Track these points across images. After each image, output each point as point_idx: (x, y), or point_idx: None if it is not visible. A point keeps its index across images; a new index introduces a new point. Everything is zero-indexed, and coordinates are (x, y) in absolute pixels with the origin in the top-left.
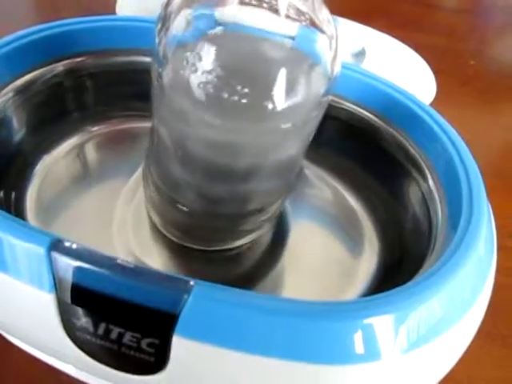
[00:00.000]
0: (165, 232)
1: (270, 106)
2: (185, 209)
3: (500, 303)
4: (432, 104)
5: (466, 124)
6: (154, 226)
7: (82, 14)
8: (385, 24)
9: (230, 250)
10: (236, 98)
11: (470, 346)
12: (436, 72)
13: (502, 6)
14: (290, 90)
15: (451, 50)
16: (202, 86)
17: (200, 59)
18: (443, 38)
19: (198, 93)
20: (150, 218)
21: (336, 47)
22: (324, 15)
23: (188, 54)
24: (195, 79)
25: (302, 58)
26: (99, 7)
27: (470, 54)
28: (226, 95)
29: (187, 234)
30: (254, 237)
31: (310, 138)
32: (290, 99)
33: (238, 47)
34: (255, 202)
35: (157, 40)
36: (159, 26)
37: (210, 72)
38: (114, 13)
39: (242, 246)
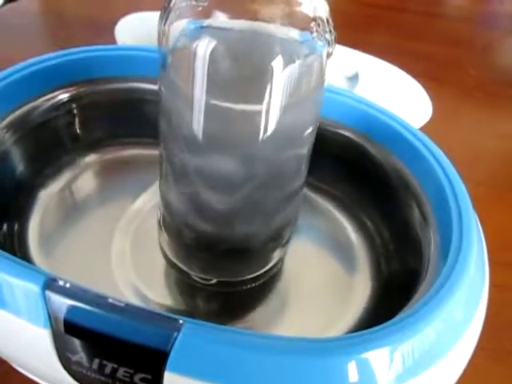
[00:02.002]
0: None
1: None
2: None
3: (505, 320)
4: (433, 115)
5: (467, 134)
6: (155, 257)
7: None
8: (387, 35)
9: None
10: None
11: (474, 364)
12: (436, 82)
13: (504, 14)
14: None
15: (452, 59)
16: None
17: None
18: (444, 47)
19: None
20: (163, 251)
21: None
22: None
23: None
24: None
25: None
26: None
27: (470, 64)
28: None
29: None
30: (265, 268)
31: (310, 144)
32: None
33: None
34: (260, 220)
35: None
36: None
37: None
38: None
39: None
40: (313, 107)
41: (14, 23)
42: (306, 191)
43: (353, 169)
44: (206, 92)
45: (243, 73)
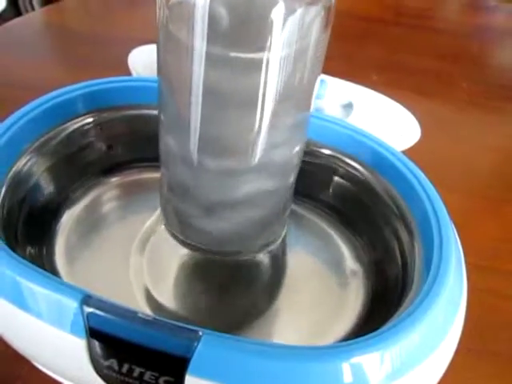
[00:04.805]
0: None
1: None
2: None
3: (489, 322)
4: (425, 130)
5: (459, 147)
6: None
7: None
8: (379, 47)
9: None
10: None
11: (461, 364)
12: (427, 94)
13: (493, 26)
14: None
15: (444, 72)
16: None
17: None
18: (436, 60)
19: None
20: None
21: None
22: None
23: None
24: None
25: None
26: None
27: (462, 76)
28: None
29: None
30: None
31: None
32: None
33: None
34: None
35: None
36: None
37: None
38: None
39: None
40: (314, 60)
41: (21, 37)
42: (302, 211)
43: (346, 190)
44: (206, 42)
45: (244, 21)
